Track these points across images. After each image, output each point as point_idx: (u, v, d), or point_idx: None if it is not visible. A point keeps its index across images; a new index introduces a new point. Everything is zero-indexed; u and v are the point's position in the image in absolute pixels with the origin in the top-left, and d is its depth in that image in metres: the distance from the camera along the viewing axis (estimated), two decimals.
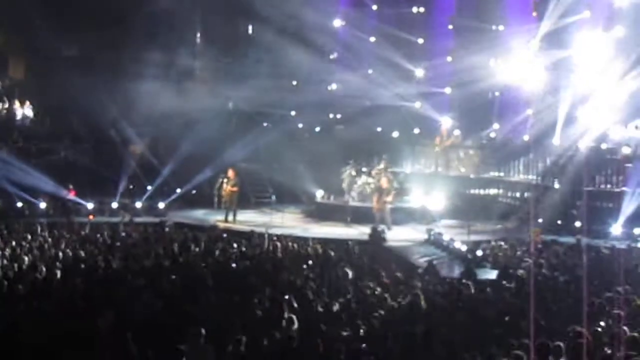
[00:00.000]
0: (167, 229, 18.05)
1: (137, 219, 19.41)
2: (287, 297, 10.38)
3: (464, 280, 12.52)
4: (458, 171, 22.44)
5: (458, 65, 23.38)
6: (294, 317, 9.55)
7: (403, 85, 24.24)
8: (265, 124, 25.54)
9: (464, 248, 16.05)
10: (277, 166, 23.60)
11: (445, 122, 23.25)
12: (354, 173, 21.49)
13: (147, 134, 24.11)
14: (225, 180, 20.61)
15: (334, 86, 25.65)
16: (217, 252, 14.58)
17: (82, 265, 13.01)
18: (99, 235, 16.23)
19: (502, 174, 21.96)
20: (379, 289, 11.73)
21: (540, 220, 18.06)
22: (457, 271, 14.52)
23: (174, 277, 11.89)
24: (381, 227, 18.13)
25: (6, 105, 25.49)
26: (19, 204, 19.96)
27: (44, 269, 12.22)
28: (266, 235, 16.62)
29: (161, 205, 21.15)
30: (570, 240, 16.56)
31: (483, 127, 23.42)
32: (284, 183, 22.80)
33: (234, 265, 13.58)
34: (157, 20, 24.99)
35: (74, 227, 17.46)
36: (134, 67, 23.37)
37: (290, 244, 16.06)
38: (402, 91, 24.16)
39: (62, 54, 25.23)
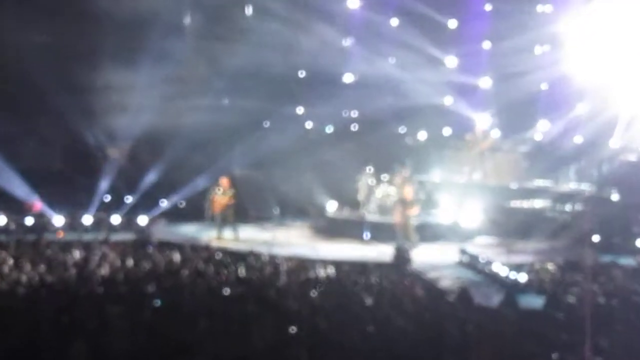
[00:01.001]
0: (150, 249, 18.13)
1: (115, 237, 19.52)
2: (293, 328, 10.40)
3: (503, 310, 12.52)
4: (496, 180, 22.47)
5: (497, 52, 23.44)
6: (302, 351, 9.58)
7: (431, 77, 24.30)
8: (266, 124, 25.66)
9: (503, 271, 16.06)
10: (280, 173, 23.69)
11: (481, 120, 23.29)
12: (372, 182, 21.58)
13: (128, 135, 24.25)
14: (217, 190, 20.72)
15: (348, 78, 25.74)
16: (209, 275, 14.65)
17: (50, 291, 13.08)
18: (69, 256, 16.31)
19: (549, 183, 21.94)
20: (402, 320, 11.74)
21: (595, 239, 18.03)
22: (495, 299, 14.49)
23: (158, 303, 11.95)
24: (405, 246, 18.17)
25: None
26: None
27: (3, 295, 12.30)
28: (268, 256, 16.69)
29: (143, 220, 21.28)
30: (630, 262, 16.56)
31: (526, 126, 23.45)
32: (289, 193, 22.88)
33: (229, 290, 13.63)
34: (141, 4, 25.16)
35: (41, 245, 17.56)
36: (114, 58, 23.53)
37: (296, 266, 16.10)
38: (429, 84, 24.21)
39: (28, 42, 25.40)
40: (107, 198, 22.42)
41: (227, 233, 20.59)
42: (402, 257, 17.46)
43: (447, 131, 24.89)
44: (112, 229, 20.54)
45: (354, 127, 25.90)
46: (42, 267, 14.92)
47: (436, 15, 24.59)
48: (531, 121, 23.56)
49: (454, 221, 20.46)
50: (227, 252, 17.99)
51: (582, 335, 9.38)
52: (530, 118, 23.63)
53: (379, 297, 13.35)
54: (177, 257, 16.63)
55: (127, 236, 20.00)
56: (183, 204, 22.93)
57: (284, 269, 15.40)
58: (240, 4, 25.97)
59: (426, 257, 18.36)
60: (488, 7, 24.56)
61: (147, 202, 22.28)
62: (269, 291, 13.42)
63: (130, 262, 15.91)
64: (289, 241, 19.53)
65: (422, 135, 24.84)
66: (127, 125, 23.79)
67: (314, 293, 13.52)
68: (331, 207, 22.07)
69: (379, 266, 16.57)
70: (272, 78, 24.45)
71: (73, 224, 20.64)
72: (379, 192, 21.33)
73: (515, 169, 22.62)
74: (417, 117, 24.47)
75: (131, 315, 11.35)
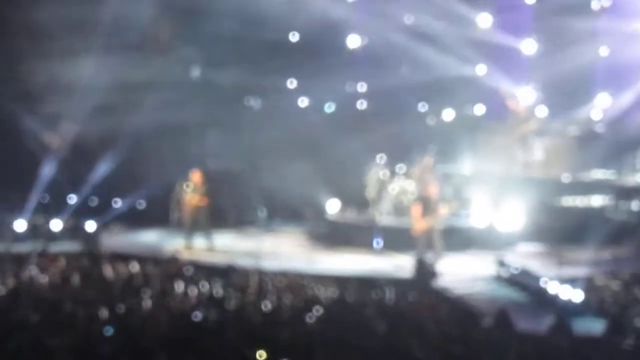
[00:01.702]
0: (101, 262, 18.07)
1: (56, 247, 19.49)
2: None
3: (553, 337, 12.48)
4: (543, 171, 22.41)
5: (543, 8, 23.39)
6: None
7: (459, 40, 24.28)
8: (248, 101, 25.60)
9: (553, 288, 16.04)
10: (267, 166, 23.67)
11: (524, 95, 23.26)
12: (384, 175, 21.56)
13: (72, 119, 24.16)
14: (187, 187, 20.67)
15: (354, 42, 25.71)
16: (176, 296, 14.61)
17: None
18: None
19: (610, 174, 21.92)
20: (424, 352, 11.72)
21: None
22: (543, 323, 14.49)
23: (109, 332, 11.92)
24: (428, 256, 18.13)
25: None
26: None
27: None
28: (252, 272, 16.66)
29: (92, 225, 21.23)
30: None
31: (581, 103, 23.42)
32: (279, 191, 22.88)
33: (201, 315, 13.60)
34: None
35: None
36: (55, 24, 23.43)
37: (288, 284, 16.06)
38: (457, 49, 24.18)
39: None
40: (46, 198, 22.38)
41: (199, 242, 20.56)
42: (424, 271, 17.43)
43: (479, 109, 24.83)
44: (52, 237, 20.57)
45: (361, 105, 25.86)
46: None
47: None
48: (586, 96, 23.53)
49: (490, 224, 20.53)
50: (199, 267, 17.97)
51: None
52: (586, 92, 23.59)
53: (395, 323, 13.32)
54: (135, 273, 16.60)
55: (71, 246, 19.97)
56: (143, 205, 22.87)
57: (272, 289, 15.36)
58: None
59: (455, 270, 18.35)
60: None
61: (96, 203, 22.24)
62: (253, 317, 13.39)
63: (75, 280, 15.87)
64: (278, 252, 19.60)
65: (448, 115, 24.79)
66: (72, 107, 23.73)
67: (310, 319, 13.49)
68: (332, 207, 22.09)
69: (395, 283, 16.56)
70: (257, 43, 24.41)
71: (1, 231, 20.59)
72: (393, 188, 21.32)
73: (567, 157, 22.60)
74: (441, 91, 24.42)
75: (76, 350, 11.32)
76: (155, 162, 22.50)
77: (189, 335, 12.24)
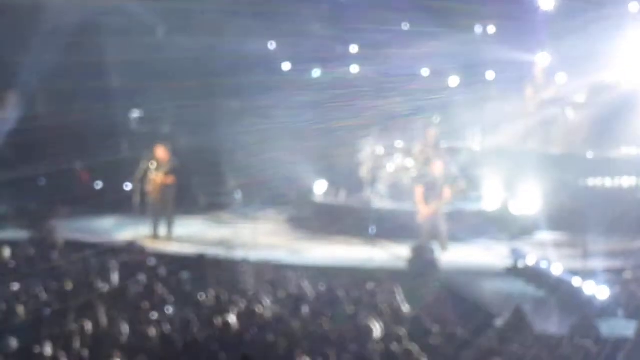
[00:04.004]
0: (52, 252, 18.02)
1: None
2: None
3: (576, 339, 12.50)
4: (564, 146, 22.44)
5: None
6: None
7: None
8: (220, 64, 25.43)
9: (576, 283, 16.07)
10: (244, 140, 23.63)
11: (541, 59, 23.23)
12: (380, 151, 21.53)
13: (11, 81, 24.05)
14: (151, 165, 20.60)
15: None
16: (138, 292, 14.60)
17: None
18: None
19: None
20: (426, 356, 11.72)
21: None
22: (564, 323, 14.52)
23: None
24: (431, 245, 18.17)
25: None
26: None
27: None
28: (227, 262, 16.62)
29: (40, 210, 21.15)
30: None
31: (607, 69, 23.39)
32: (257, 170, 22.82)
33: (167, 312, 13.60)
34: None
35: None
36: None
37: (268, 277, 16.06)
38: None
39: None
40: None
41: (163, 229, 20.55)
42: (426, 263, 17.46)
43: (490, 75, 24.79)
44: None
45: (353, 70, 25.78)
46: None
47: None
48: (614, 61, 23.48)
49: (503, 208, 20.53)
50: (164, 257, 17.93)
51: None
52: (613, 56, 23.53)
53: (393, 322, 13.33)
54: (92, 263, 16.56)
55: (17, 235, 19.89)
56: (99, 186, 22.82)
57: (250, 282, 15.33)
58: None
59: (462, 261, 18.42)
60: None
61: (44, 183, 22.17)
62: (228, 315, 13.36)
63: (20, 273, 15.83)
64: (257, 240, 19.49)
65: (453, 81, 24.75)
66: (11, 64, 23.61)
67: (294, 317, 13.49)
68: (320, 189, 22.03)
69: (392, 276, 16.49)
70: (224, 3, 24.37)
71: None
72: (391, 166, 21.30)
73: (592, 130, 22.57)
74: (445, 52, 24.35)
75: (25, 350, 11.31)
76: (113, 135, 22.49)
77: (153, 336, 12.23)
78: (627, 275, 16.56)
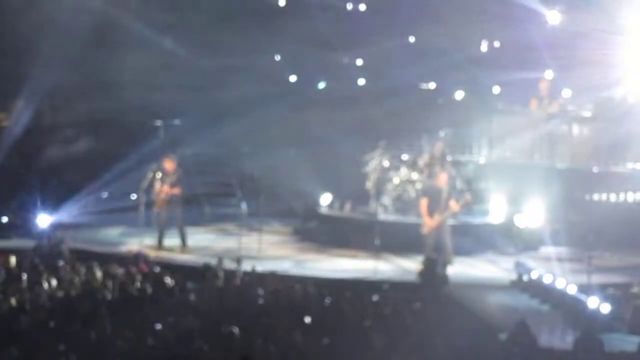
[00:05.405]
0: (60, 262, 18.01)
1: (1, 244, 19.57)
2: None
3: (581, 354, 12.49)
4: (570, 160, 22.43)
5: None
6: None
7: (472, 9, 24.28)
8: (227, 74, 25.51)
9: (581, 297, 16.06)
10: (249, 151, 23.63)
11: (547, 74, 23.24)
12: (386, 163, 21.55)
13: (24, 90, 24.09)
14: (157, 175, 20.62)
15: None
16: (144, 301, 14.59)
17: None
18: None
19: None
20: None
21: None
22: (568, 337, 14.52)
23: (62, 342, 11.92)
24: (436, 258, 18.16)
25: None
26: None
27: None
28: (232, 273, 16.62)
29: (45, 219, 21.19)
30: None
31: (612, 84, 23.38)
32: (263, 182, 22.84)
33: (173, 322, 13.61)
34: None
35: None
36: None
37: (273, 289, 16.06)
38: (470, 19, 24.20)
39: None
40: None
41: (171, 241, 20.53)
42: (432, 276, 17.44)
43: (495, 89, 24.80)
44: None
45: (360, 82, 25.78)
46: None
47: None
48: (619, 76, 23.47)
49: (508, 222, 20.50)
50: (170, 267, 17.94)
51: None
52: (617, 71, 23.53)
53: (398, 335, 13.32)
54: (97, 272, 16.56)
55: (22, 243, 19.89)
56: (106, 195, 22.84)
57: (255, 293, 15.34)
58: None
59: (467, 275, 18.42)
60: None
61: (50, 193, 22.19)
62: (232, 326, 13.37)
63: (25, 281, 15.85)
64: (262, 252, 19.55)
65: (459, 95, 24.76)
66: (23, 76, 23.63)
67: (299, 329, 13.48)
68: (326, 201, 22.04)
69: (398, 289, 16.52)
70: (236, 9, 24.38)
71: None
72: (397, 178, 21.30)
73: (598, 145, 22.55)
74: (451, 66, 24.38)
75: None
76: (122, 144, 22.45)
77: (158, 346, 12.25)
78: (634, 290, 16.54)
